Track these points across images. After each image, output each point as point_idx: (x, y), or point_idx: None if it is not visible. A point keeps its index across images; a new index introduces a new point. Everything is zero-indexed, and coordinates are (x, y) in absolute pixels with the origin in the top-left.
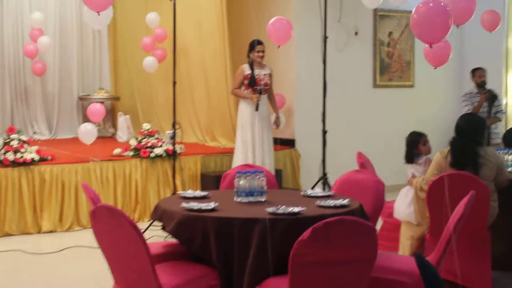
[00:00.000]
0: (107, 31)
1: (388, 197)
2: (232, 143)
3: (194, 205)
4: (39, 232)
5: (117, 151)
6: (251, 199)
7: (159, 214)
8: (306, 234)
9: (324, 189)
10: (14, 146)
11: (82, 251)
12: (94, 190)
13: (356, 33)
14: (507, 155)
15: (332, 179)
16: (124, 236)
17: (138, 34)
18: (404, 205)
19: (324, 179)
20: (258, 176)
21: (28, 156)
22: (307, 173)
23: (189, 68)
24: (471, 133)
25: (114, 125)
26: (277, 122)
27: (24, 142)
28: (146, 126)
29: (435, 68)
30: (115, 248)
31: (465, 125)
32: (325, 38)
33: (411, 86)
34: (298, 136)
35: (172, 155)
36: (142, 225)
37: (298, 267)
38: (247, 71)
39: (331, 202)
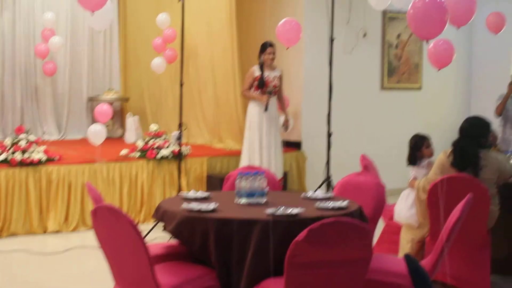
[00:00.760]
0: (118, 31)
1: (392, 200)
2: (239, 145)
3: (195, 205)
4: (44, 232)
5: (124, 152)
6: (251, 200)
7: (161, 214)
8: (302, 235)
9: (328, 191)
10: (22, 146)
11: (87, 251)
12: (97, 190)
13: (364, 35)
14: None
15: (337, 182)
16: (124, 236)
17: (149, 34)
18: (405, 208)
19: (328, 181)
20: (258, 178)
21: (36, 156)
22: (313, 175)
23: (197, 69)
24: (473, 135)
25: (123, 126)
26: (286, 124)
27: (32, 142)
28: (153, 127)
29: (438, 70)
30: (115, 248)
31: (468, 127)
32: (331, 39)
33: (419, 88)
34: (305, 138)
35: (178, 157)
36: (147, 226)
37: (294, 268)
38: (257, 72)
39: (330, 204)
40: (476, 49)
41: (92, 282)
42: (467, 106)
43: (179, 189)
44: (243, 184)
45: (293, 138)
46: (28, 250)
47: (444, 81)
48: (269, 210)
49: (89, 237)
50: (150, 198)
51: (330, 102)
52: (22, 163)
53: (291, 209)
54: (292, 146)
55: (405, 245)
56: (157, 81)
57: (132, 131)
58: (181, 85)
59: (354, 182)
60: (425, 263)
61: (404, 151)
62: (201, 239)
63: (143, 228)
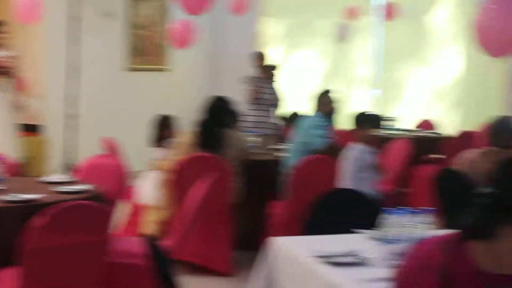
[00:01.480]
0: None
1: (136, 182)
2: None
3: None
4: None
5: None
6: None
7: None
8: (38, 220)
9: (68, 175)
10: None
11: None
12: None
13: (109, 15)
14: (253, 137)
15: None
16: None
17: None
18: (149, 189)
19: (69, 165)
20: None
21: None
22: (55, 159)
23: None
24: (216, 115)
25: None
26: (18, 106)
27: None
28: None
29: (179, 49)
30: None
31: (211, 108)
32: (73, 18)
33: (167, 70)
34: (47, 121)
35: None
36: None
37: (31, 256)
38: None
39: (69, 188)
40: (220, 30)
41: None
42: (215, 87)
43: None
44: None
45: (33, 121)
46: None
47: (192, 62)
48: (4, 197)
49: None
50: None
51: (72, 84)
52: None
53: (28, 194)
54: (32, 129)
55: (150, 226)
56: None
57: None
58: None
59: (96, 165)
60: (168, 243)
61: (150, 133)
62: None
63: None
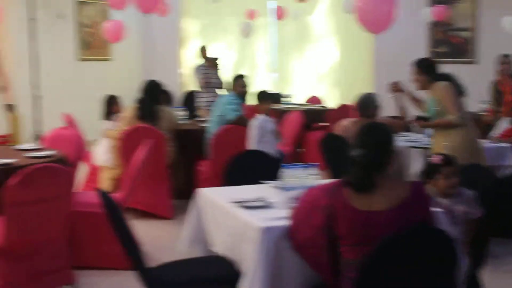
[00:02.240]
0: None
1: (91, 148)
2: None
3: None
4: None
5: None
6: None
7: None
8: (15, 179)
9: (37, 143)
10: None
11: None
12: None
13: (59, 16)
14: (179, 111)
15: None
16: None
17: None
18: (102, 153)
19: (37, 136)
20: None
21: None
22: (25, 131)
23: None
24: (151, 94)
25: None
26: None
27: None
28: None
29: (113, 43)
30: None
31: (146, 88)
32: (31, 21)
33: (110, 59)
34: (18, 102)
35: None
36: None
37: (11, 207)
38: None
39: (39, 154)
40: (149, 28)
41: None
42: (148, 72)
43: None
44: None
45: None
46: None
47: (129, 53)
48: None
49: None
50: None
51: (30, 71)
52: None
53: (5, 159)
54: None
55: (105, 182)
56: None
57: None
58: None
59: (59, 135)
60: (119, 195)
61: (97, 109)
62: None
63: None
